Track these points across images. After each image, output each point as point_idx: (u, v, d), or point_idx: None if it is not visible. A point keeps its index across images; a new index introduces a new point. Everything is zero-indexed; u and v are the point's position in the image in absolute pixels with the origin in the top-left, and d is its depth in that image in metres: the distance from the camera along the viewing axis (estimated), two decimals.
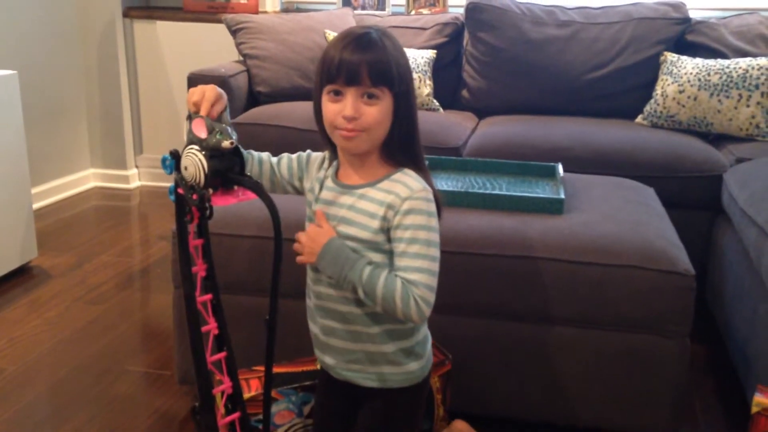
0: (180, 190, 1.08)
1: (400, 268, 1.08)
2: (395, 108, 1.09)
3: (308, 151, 1.25)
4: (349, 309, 1.15)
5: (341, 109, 1.08)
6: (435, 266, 1.09)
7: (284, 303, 1.59)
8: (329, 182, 1.17)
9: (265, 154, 1.26)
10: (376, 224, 1.10)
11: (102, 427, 1.69)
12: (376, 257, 1.11)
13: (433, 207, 1.10)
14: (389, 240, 1.10)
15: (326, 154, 1.21)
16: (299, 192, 1.25)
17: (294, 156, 1.25)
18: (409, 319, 1.09)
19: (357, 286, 1.09)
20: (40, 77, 3.23)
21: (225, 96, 1.11)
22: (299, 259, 1.16)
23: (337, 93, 1.08)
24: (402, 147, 1.12)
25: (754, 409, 1.29)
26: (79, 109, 3.53)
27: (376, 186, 1.12)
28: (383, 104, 1.08)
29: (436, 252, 1.09)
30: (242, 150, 1.22)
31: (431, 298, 1.08)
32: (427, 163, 1.18)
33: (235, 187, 1.08)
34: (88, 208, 3.33)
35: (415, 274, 1.07)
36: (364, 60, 1.05)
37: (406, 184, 1.10)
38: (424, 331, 1.20)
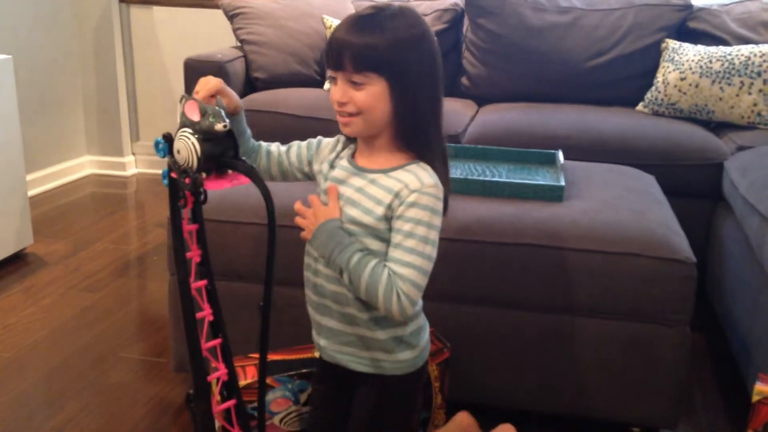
0: (173, 174, 1.06)
1: (391, 258, 1.06)
2: (392, 93, 1.05)
3: (319, 137, 1.23)
4: (342, 291, 1.13)
5: (334, 93, 1.07)
6: (427, 265, 1.06)
7: (279, 290, 1.58)
8: (344, 162, 1.15)
9: (274, 145, 1.24)
10: (381, 211, 1.08)
11: (97, 414, 1.68)
12: (374, 244, 1.09)
13: (439, 205, 1.07)
14: (390, 229, 1.08)
15: (339, 137, 1.19)
16: (310, 177, 1.23)
17: (304, 143, 1.23)
18: (389, 314, 1.06)
19: (343, 270, 1.07)
20: (35, 63, 3.20)
21: (232, 98, 1.12)
22: (303, 234, 1.14)
23: (333, 77, 1.07)
24: (410, 135, 1.08)
25: (755, 398, 1.28)
26: (75, 95, 3.50)
27: (389, 173, 1.09)
28: (372, 89, 1.04)
29: (431, 251, 1.06)
30: (253, 140, 1.22)
31: (416, 296, 1.06)
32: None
33: (229, 171, 1.06)
34: (84, 195, 3.31)
35: (404, 268, 1.05)
36: (349, 44, 1.03)
37: (418, 176, 1.07)
38: (419, 322, 1.18)
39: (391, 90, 1.05)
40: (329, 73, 1.08)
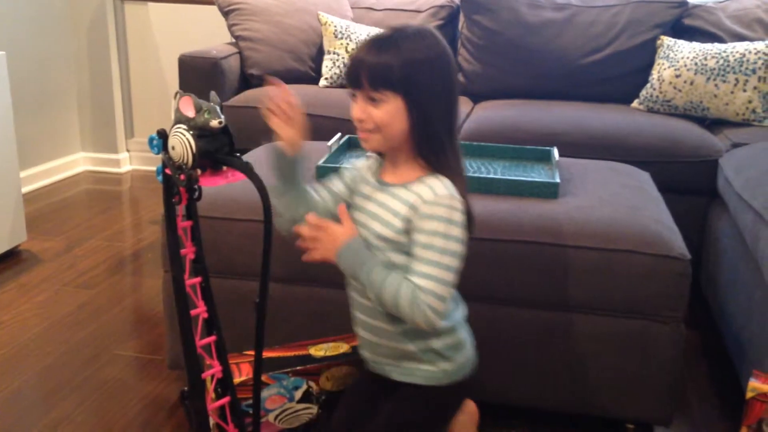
0: (168, 171, 1.05)
1: (412, 270, 1.08)
2: (408, 111, 1.08)
3: (348, 167, 1.25)
4: (371, 304, 1.15)
5: (353, 110, 1.11)
6: (448, 275, 1.07)
7: (275, 287, 1.58)
8: (371, 178, 1.19)
9: (320, 188, 1.26)
10: (399, 223, 1.10)
11: (91, 412, 1.67)
12: (399, 259, 1.11)
13: (455, 215, 1.08)
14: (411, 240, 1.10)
15: (370, 156, 1.22)
16: None
17: (338, 184, 1.25)
18: (415, 325, 1.09)
19: (367, 288, 1.09)
20: (29, 59, 3.19)
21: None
22: (312, 255, 1.14)
23: (353, 94, 1.11)
24: (426, 149, 1.11)
25: (749, 395, 1.28)
26: (70, 92, 3.48)
27: (407, 186, 1.12)
28: (389, 106, 1.08)
29: (451, 261, 1.08)
30: (307, 188, 1.22)
31: (440, 306, 1.07)
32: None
33: (224, 168, 1.05)
34: (79, 192, 3.30)
35: (424, 280, 1.06)
36: (365, 63, 1.07)
37: (433, 188, 1.09)
38: (458, 337, 1.19)
39: (407, 107, 1.08)
40: (349, 90, 1.12)
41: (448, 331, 1.17)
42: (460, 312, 1.20)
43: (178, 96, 1.04)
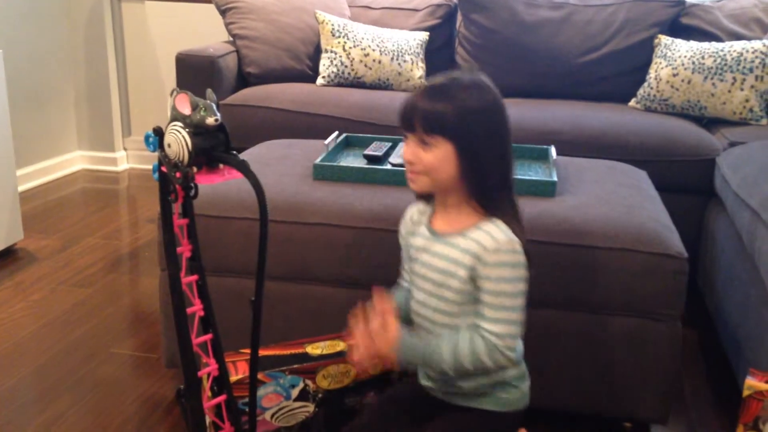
0: (164, 169, 1.05)
1: (484, 317, 1.10)
2: (459, 157, 1.09)
3: (400, 238, 1.26)
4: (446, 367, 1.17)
5: (405, 152, 1.14)
6: (518, 316, 1.11)
7: (271, 286, 1.57)
8: (423, 229, 1.20)
9: (404, 287, 1.27)
10: (463, 273, 1.11)
11: (87, 410, 1.67)
12: (470, 308, 1.13)
13: (519, 258, 1.11)
14: (476, 287, 1.12)
15: (415, 206, 1.23)
16: None
17: (400, 239, 1.26)
18: (500, 368, 1.13)
19: (445, 369, 1.12)
20: (26, 57, 3.18)
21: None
22: (361, 361, 1.15)
23: (405, 137, 1.13)
24: (480, 195, 1.12)
25: (746, 393, 1.28)
26: (67, 90, 3.48)
27: (464, 234, 1.13)
28: (439, 151, 1.10)
29: (521, 302, 1.11)
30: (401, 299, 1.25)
31: (514, 344, 1.11)
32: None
33: (221, 166, 1.05)
34: (75, 191, 3.29)
35: (498, 325, 1.09)
36: (420, 108, 1.10)
37: (493, 235, 1.10)
38: (522, 368, 1.21)
39: (458, 153, 1.10)
40: (402, 131, 1.14)
41: (518, 363, 1.20)
42: (521, 344, 1.21)
43: (174, 93, 1.04)
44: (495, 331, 1.09)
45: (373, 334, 1.13)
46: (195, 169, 1.02)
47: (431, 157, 1.10)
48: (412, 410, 1.24)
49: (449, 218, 1.16)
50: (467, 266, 1.11)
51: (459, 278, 1.12)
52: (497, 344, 1.09)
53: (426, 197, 1.21)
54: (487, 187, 1.12)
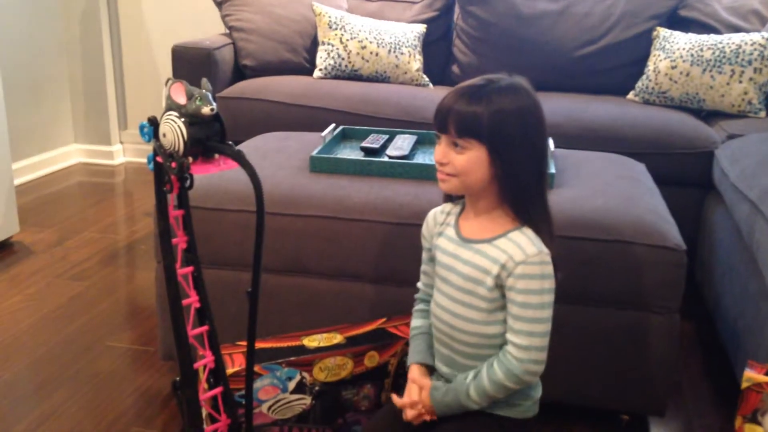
0: (159, 159, 1.04)
1: (513, 330, 1.10)
2: (492, 161, 1.08)
3: (423, 243, 1.25)
4: (449, 371, 1.19)
5: (437, 153, 1.12)
6: (546, 327, 1.11)
7: (268, 278, 1.57)
8: (451, 231, 1.18)
9: (423, 295, 1.28)
10: (490, 281, 1.11)
11: (84, 403, 1.66)
12: (499, 316, 1.12)
13: (547, 269, 1.10)
14: (503, 296, 1.12)
15: (443, 207, 1.22)
16: None
17: (425, 261, 1.26)
18: (526, 384, 1.14)
19: (481, 407, 1.14)
20: (21, 50, 3.16)
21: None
22: (413, 416, 1.18)
23: (438, 137, 1.12)
24: (512, 200, 1.11)
25: (744, 385, 1.28)
26: (62, 83, 3.46)
27: (493, 242, 1.12)
28: (471, 154, 1.08)
29: (548, 313, 1.11)
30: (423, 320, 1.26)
31: (542, 356, 1.11)
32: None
33: (216, 156, 1.04)
34: (72, 184, 3.28)
35: (527, 338, 1.09)
36: (454, 110, 1.08)
37: (521, 246, 1.09)
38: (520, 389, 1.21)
39: (491, 157, 1.08)
40: (435, 132, 1.13)
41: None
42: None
43: (169, 83, 1.03)
44: (524, 345, 1.09)
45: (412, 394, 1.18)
46: (191, 159, 1.01)
47: (463, 160, 1.09)
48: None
49: (479, 223, 1.15)
50: (494, 275, 1.10)
51: (486, 286, 1.11)
52: (525, 358, 1.09)
53: (451, 197, 1.20)
54: (520, 192, 1.11)
